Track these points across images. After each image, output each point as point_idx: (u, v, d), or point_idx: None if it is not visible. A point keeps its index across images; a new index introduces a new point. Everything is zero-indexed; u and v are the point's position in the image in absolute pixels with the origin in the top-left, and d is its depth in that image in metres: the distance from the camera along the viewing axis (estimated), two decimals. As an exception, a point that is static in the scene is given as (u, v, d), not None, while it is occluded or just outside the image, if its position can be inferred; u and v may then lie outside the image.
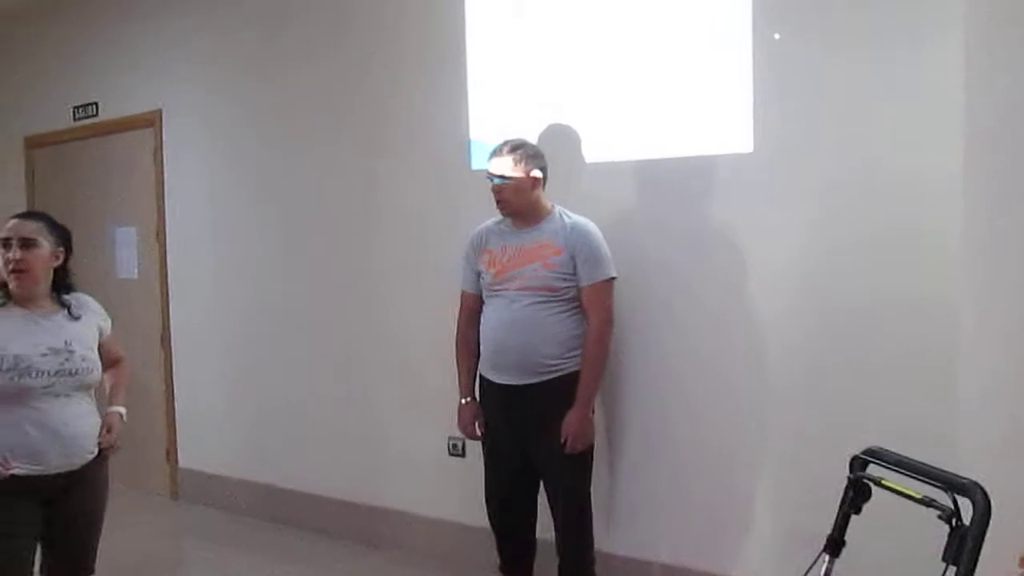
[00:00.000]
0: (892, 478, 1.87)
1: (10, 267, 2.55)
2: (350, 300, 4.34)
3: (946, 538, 1.66)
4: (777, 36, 3.08)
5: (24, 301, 2.59)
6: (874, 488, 1.90)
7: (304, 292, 4.52)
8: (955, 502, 1.68)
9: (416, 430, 4.08)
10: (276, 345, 4.65)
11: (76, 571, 2.71)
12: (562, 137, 3.54)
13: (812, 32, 3.03)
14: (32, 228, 2.59)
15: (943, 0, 2.73)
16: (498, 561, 3.34)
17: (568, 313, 3.12)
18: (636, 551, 3.46)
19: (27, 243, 2.56)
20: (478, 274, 3.26)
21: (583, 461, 3.17)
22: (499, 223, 3.27)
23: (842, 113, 2.98)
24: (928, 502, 1.72)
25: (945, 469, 1.78)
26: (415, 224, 4.07)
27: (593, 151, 3.52)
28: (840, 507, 1.95)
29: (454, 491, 3.92)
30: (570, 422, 3.07)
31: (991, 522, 1.63)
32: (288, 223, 4.57)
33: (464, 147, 3.86)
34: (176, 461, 5.19)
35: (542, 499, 3.27)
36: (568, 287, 3.11)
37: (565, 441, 3.06)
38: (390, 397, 4.21)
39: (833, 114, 3.00)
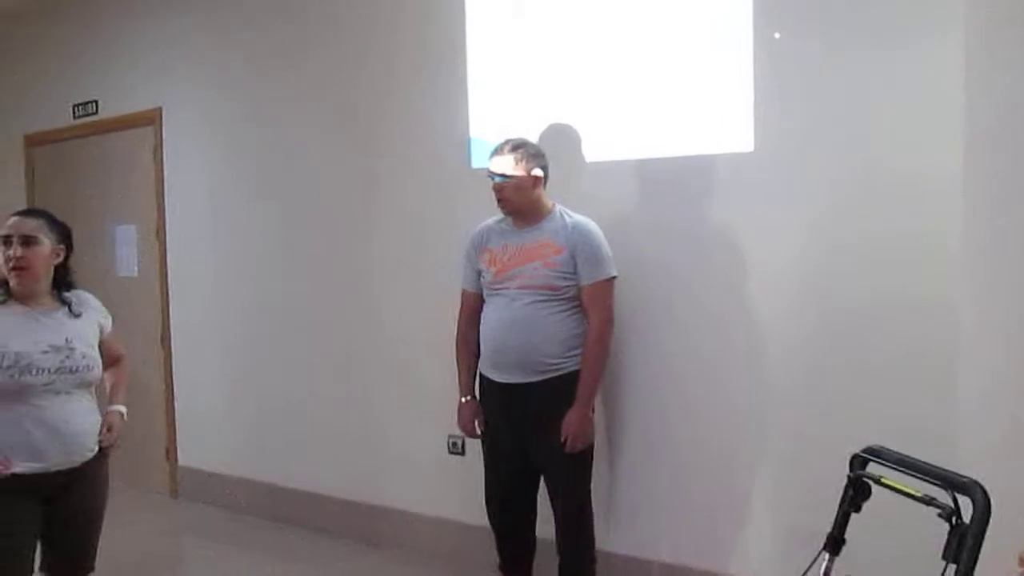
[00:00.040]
0: (892, 476, 1.87)
1: (11, 264, 2.55)
2: (351, 298, 4.34)
3: (946, 536, 1.66)
4: (777, 35, 3.09)
5: (25, 299, 2.59)
6: (874, 486, 1.90)
7: (305, 290, 4.52)
8: (955, 500, 1.68)
9: (416, 429, 4.08)
10: (276, 343, 4.65)
11: (76, 569, 2.71)
12: (562, 136, 3.54)
13: (813, 31, 3.03)
14: (33, 225, 2.59)
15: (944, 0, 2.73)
16: (498, 560, 3.35)
17: (568, 312, 3.12)
18: (636, 550, 3.46)
19: (28, 240, 2.56)
20: (478, 273, 3.26)
21: (583, 460, 3.17)
22: (500, 222, 3.27)
23: (843, 112, 2.98)
24: (928, 500, 1.72)
25: (945, 468, 1.79)
26: (415, 222, 4.07)
27: (593, 150, 3.52)
28: (840, 505, 1.96)
29: (454, 490, 3.92)
30: (570, 421, 3.07)
31: (991, 521, 1.64)
32: (289, 221, 4.57)
33: (464, 145, 3.86)
34: (176, 459, 5.19)
35: (542, 498, 3.27)
36: (568, 286, 3.11)
37: (565, 440, 3.07)
38: (390, 395, 4.21)
39: (834, 113, 3.00)
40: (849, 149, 2.98)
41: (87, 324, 2.68)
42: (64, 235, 2.68)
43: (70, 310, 2.65)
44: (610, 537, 3.46)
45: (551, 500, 3.22)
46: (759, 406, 3.19)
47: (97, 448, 2.65)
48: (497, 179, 3.14)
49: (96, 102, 5.45)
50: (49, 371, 2.51)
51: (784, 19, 3.08)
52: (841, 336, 3.00)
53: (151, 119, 5.13)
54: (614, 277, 3.15)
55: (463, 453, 3.85)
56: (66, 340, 2.58)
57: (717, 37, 3.20)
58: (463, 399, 3.30)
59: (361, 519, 4.31)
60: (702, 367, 3.30)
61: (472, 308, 3.29)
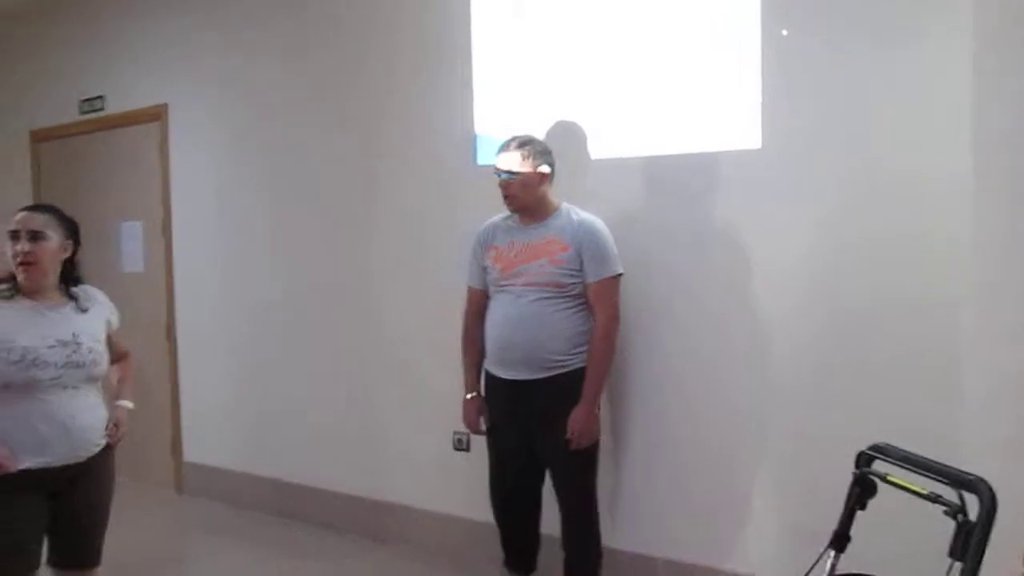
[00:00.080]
0: (898, 474, 1.87)
1: (18, 259, 2.55)
2: (357, 295, 4.34)
3: (952, 534, 1.66)
4: (785, 32, 3.08)
5: (32, 293, 2.59)
6: (880, 484, 1.90)
7: (310, 286, 4.52)
8: (961, 498, 1.68)
9: (421, 425, 4.08)
10: (282, 339, 4.66)
11: (82, 564, 2.71)
12: (568, 133, 3.54)
13: (820, 29, 3.02)
14: (40, 221, 2.60)
15: (952, -1, 2.73)
16: (503, 556, 3.35)
17: (574, 309, 3.12)
18: (641, 547, 3.46)
19: (35, 236, 2.56)
20: (484, 270, 3.26)
21: (589, 457, 3.17)
22: (506, 219, 3.27)
23: (850, 110, 2.97)
24: (934, 498, 1.72)
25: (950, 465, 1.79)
26: (418, 219, 4.08)
27: (600, 147, 3.52)
28: (846, 503, 1.95)
29: (459, 486, 3.92)
30: (575, 418, 3.07)
31: (996, 520, 1.63)
32: (294, 217, 4.57)
33: (466, 144, 3.86)
34: (181, 455, 5.21)
35: (547, 494, 3.27)
36: (575, 283, 3.11)
37: (571, 437, 3.07)
38: (395, 392, 4.21)
39: (841, 111, 2.99)
40: (857, 147, 2.97)
41: (94, 319, 2.69)
42: (72, 230, 2.68)
43: (77, 305, 2.66)
44: (615, 534, 3.46)
45: (557, 496, 3.22)
46: (764, 405, 3.18)
47: (104, 443, 2.66)
48: (504, 175, 3.14)
49: (102, 97, 5.46)
50: (56, 366, 2.52)
51: (792, 16, 3.07)
52: (847, 335, 3.00)
53: (157, 115, 5.15)
54: (620, 274, 3.15)
55: (468, 449, 3.86)
56: (73, 335, 2.58)
57: (724, 34, 3.19)
58: (468, 395, 3.31)
59: (366, 515, 4.31)
60: (702, 366, 3.30)
61: (478, 305, 3.29)
